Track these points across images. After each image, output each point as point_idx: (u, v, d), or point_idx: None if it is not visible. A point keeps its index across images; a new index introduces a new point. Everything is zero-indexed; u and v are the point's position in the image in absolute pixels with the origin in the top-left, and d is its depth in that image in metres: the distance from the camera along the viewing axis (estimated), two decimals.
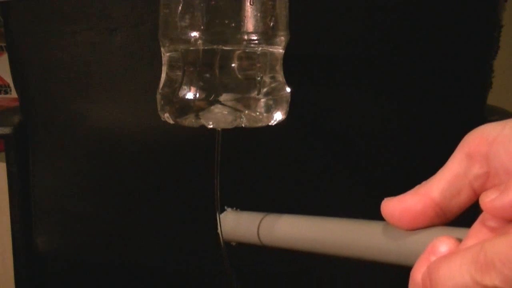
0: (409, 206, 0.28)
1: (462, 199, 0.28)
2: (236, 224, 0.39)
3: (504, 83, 0.60)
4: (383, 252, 0.29)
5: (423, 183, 0.28)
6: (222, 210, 0.41)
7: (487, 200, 0.24)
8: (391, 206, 0.28)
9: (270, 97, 0.39)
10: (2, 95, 1.27)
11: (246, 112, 0.38)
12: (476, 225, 0.25)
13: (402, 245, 0.28)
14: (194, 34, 0.37)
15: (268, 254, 0.56)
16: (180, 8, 0.37)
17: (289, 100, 0.41)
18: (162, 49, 0.41)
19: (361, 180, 0.57)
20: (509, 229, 0.23)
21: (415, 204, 0.28)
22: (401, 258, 0.28)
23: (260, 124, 0.39)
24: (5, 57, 1.20)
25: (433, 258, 0.24)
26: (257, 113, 0.39)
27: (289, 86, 0.42)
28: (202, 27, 0.37)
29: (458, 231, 0.27)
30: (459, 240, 0.25)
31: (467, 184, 0.27)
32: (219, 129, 0.39)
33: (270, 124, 0.40)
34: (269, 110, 0.39)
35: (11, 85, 1.25)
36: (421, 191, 0.28)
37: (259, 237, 0.37)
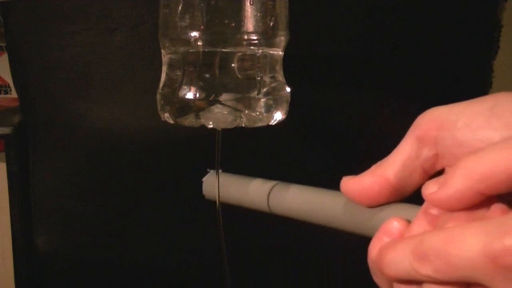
0: (367, 187, 0.30)
1: (415, 180, 0.30)
2: (236, 186, 0.40)
3: (504, 83, 0.60)
4: (348, 224, 0.32)
5: (379, 163, 0.30)
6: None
7: (428, 193, 0.26)
8: (351, 185, 0.31)
9: (270, 97, 0.39)
10: (2, 95, 1.27)
11: (246, 112, 0.38)
12: (420, 212, 0.27)
13: (363, 221, 0.31)
14: (194, 34, 0.37)
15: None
16: (180, 8, 0.37)
17: (289, 100, 0.41)
18: (162, 50, 0.41)
19: None
20: (447, 221, 0.26)
21: (372, 185, 0.30)
22: (363, 231, 0.31)
23: (260, 124, 0.39)
24: (5, 57, 1.20)
25: (385, 238, 0.27)
26: (257, 113, 0.39)
27: (289, 86, 0.42)
28: (202, 27, 0.37)
29: (410, 209, 0.29)
30: (408, 221, 0.28)
31: (419, 165, 0.29)
32: (219, 129, 0.39)
33: (270, 124, 0.40)
34: (269, 110, 0.39)
35: (11, 85, 1.25)
36: (378, 172, 0.30)
37: (268, 204, 0.37)
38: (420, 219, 0.27)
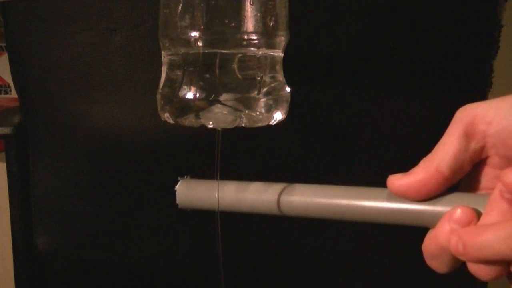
0: (422, 183, 0.32)
1: (463, 170, 0.32)
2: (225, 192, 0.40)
3: (504, 83, 0.60)
4: (408, 217, 0.33)
5: (427, 159, 0.33)
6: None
7: (509, 181, 0.28)
8: (403, 183, 0.32)
9: (270, 96, 0.39)
10: (2, 95, 1.27)
11: (246, 112, 0.38)
12: (495, 197, 0.29)
13: (418, 213, 0.32)
14: (194, 34, 0.37)
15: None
16: (180, 8, 0.37)
17: (289, 100, 0.41)
18: (162, 52, 0.41)
19: (361, 180, 0.57)
20: None
21: (428, 180, 0.32)
22: (421, 222, 0.33)
23: (260, 124, 0.39)
24: (5, 57, 1.20)
25: (453, 225, 0.30)
26: (257, 113, 0.39)
27: (289, 86, 0.42)
28: (202, 27, 0.37)
29: (465, 197, 0.32)
30: (474, 209, 0.30)
31: (468, 157, 0.32)
32: (219, 129, 0.39)
33: (270, 124, 0.40)
34: (269, 109, 0.39)
35: (11, 85, 1.25)
36: (431, 167, 0.32)
37: (278, 206, 0.38)
38: (496, 206, 0.29)
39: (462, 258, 0.29)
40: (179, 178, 0.41)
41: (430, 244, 0.31)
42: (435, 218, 0.31)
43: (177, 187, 0.41)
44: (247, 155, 0.57)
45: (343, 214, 0.35)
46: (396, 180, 0.33)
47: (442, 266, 0.31)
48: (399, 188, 0.33)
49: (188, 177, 0.41)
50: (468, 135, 0.32)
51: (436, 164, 0.32)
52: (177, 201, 0.41)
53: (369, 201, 0.34)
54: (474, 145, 0.32)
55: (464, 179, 0.34)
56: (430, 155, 0.33)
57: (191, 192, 0.41)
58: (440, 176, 0.32)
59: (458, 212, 0.30)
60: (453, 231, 0.30)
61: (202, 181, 0.41)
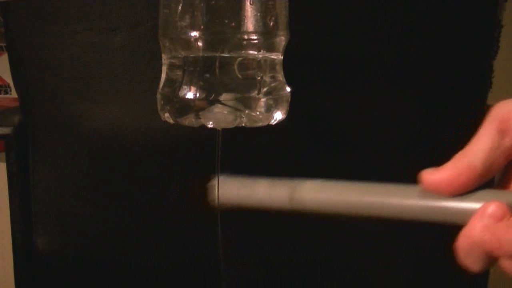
0: (454, 177, 0.32)
1: (497, 167, 0.32)
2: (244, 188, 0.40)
3: (504, 83, 0.60)
4: (438, 213, 0.33)
5: (460, 155, 0.32)
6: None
7: None
8: (436, 177, 0.32)
9: (270, 96, 0.39)
10: (2, 95, 1.27)
11: (247, 111, 0.38)
12: None
13: (454, 207, 0.32)
14: (194, 34, 0.37)
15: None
16: (180, 8, 0.37)
17: (289, 99, 0.41)
18: (163, 54, 0.41)
19: (361, 180, 0.57)
20: None
21: (460, 175, 0.31)
22: (453, 218, 0.32)
23: (260, 124, 0.39)
24: (5, 57, 1.20)
25: (486, 221, 0.29)
26: (257, 113, 0.39)
27: (289, 86, 0.42)
28: (202, 27, 0.37)
29: (497, 193, 0.32)
30: (509, 205, 0.30)
31: (501, 154, 0.32)
32: (219, 129, 0.39)
33: (270, 123, 0.40)
34: (269, 109, 0.39)
35: (11, 85, 1.25)
36: (464, 163, 0.32)
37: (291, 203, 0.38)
38: None
39: (496, 254, 0.29)
40: (221, 174, 0.40)
41: (463, 242, 0.31)
42: (468, 214, 0.31)
43: (213, 183, 0.40)
44: (247, 155, 0.57)
45: (373, 211, 0.35)
46: (428, 175, 0.32)
47: (476, 264, 0.31)
48: (431, 182, 0.32)
49: (225, 175, 0.41)
50: (502, 131, 0.31)
51: (468, 159, 0.32)
52: (213, 198, 0.40)
53: (398, 198, 0.34)
54: (508, 142, 0.32)
55: (499, 177, 0.33)
56: (463, 150, 0.32)
57: (231, 190, 0.40)
58: (472, 171, 0.31)
59: (492, 207, 0.30)
60: (486, 227, 0.29)
61: (241, 179, 0.40)
